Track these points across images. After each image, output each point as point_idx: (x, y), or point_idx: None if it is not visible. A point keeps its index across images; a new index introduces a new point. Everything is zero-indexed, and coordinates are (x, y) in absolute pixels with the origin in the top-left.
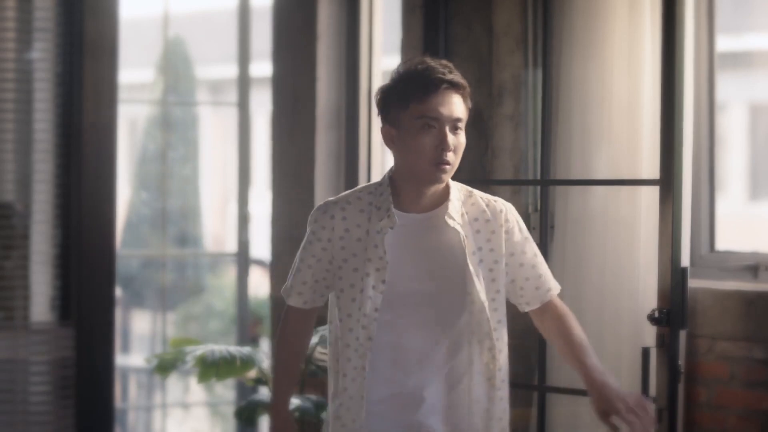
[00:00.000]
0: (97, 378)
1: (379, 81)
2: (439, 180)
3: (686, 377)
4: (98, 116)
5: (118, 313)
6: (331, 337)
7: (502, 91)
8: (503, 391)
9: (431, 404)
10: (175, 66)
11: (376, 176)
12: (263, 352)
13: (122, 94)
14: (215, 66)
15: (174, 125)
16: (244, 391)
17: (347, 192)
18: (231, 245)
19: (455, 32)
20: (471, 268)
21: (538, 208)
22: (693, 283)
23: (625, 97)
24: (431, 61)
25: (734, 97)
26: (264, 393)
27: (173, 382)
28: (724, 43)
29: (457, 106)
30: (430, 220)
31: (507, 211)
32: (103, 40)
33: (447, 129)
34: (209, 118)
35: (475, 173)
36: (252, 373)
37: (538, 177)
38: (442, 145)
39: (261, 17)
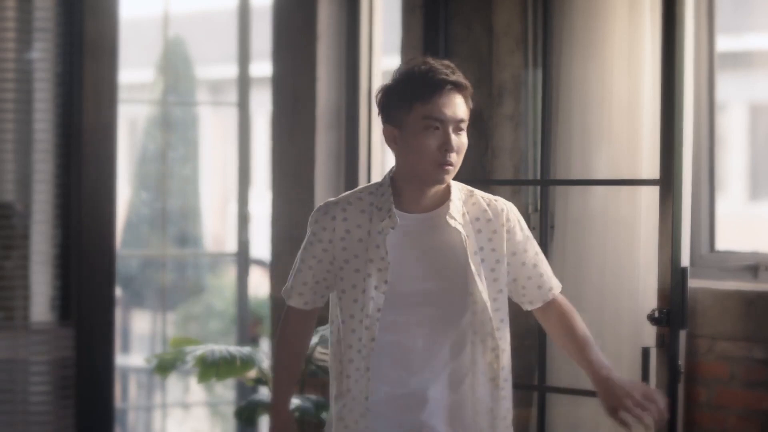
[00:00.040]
0: (97, 378)
1: (379, 81)
2: (441, 181)
3: (686, 377)
4: (98, 116)
5: (118, 313)
6: (333, 338)
7: (502, 91)
8: (506, 391)
9: (435, 404)
10: (175, 66)
11: (376, 176)
12: (263, 352)
13: (122, 94)
14: (215, 66)
15: (174, 125)
16: (244, 391)
17: (348, 192)
18: (231, 245)
19: (455, 32)
20: (473, 267)
21: (538, 208)
22: (693, 283)
23: (625, 97)
24: (434, 62)
25: (734, 97)
26: (264, 393)
27: (173, 382)
28: (724, 43)
29: (460, 107)
30: (431, 220)
31: (508, 210)
32: (103, 40)
33: (450, 130)
34: (209, 118)
35: (475, 173)
36: (252, 373)
37: (538, 177)
38: (446, 146)
39: (261, 17)
